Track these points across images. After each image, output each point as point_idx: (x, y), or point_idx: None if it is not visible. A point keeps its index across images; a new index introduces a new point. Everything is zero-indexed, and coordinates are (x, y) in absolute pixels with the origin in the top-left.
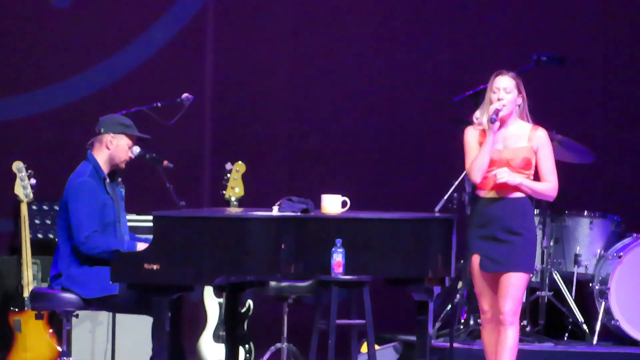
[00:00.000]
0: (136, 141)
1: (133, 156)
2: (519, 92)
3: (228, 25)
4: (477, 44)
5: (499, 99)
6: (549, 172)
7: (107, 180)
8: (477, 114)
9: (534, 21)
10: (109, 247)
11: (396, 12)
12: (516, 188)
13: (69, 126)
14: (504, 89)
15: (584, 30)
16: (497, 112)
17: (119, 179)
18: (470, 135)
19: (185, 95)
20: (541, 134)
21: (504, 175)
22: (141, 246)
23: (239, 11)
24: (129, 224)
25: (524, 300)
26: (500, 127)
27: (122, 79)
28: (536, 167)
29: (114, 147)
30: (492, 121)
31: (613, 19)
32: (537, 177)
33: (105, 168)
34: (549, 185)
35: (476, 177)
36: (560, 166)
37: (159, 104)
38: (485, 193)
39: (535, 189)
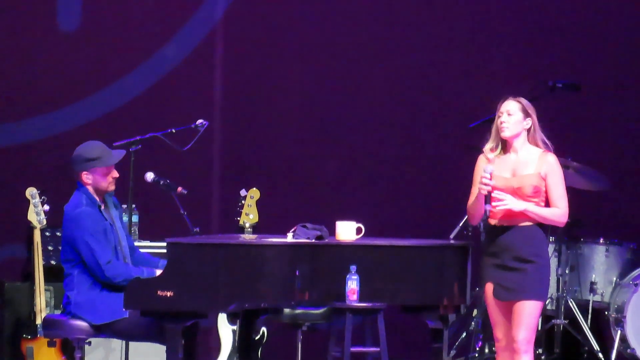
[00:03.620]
0: (111, 165)
1: (147, 180)
2: (527, 115)
3: (238, 48)
4: (493, 70)
5: (501, 122)
6: (558, 198)
7: (102, 206)
8: (487, 146)
9: (549, 48)
10: (130, 275)
11: (411, 39)
12: (525, 215)
13: None
14: (507, 112)
15: (598, 57)
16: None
17: (133, 206)
18: (479, 165)
19: (199, 121)
20: (550, 160)
21: (508, 203)
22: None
23: (248, 34)
24: (144, 250)
25: (539, 328)
26: (509, 151)
27: (131, 102)
28: (546, 193)
29: (92, 181)
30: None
31: (628, 45)
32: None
33: (96, 196)
34: (557, 211)
35: (471, 221)
36: (576, 193)
37: (174, 130)
38: (496, 222)
39: (542, 214)
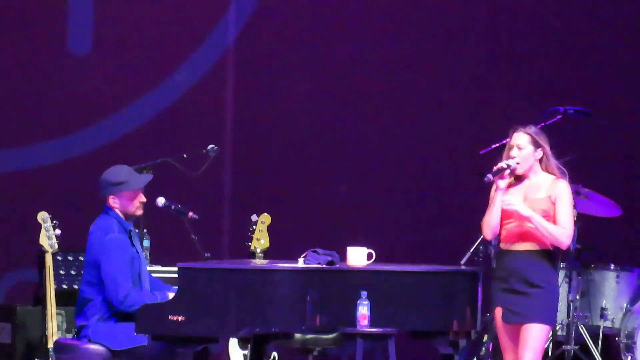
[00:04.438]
0: (138, 190)
1: (159, 205)
2: (538, 146)
3: (249, 72)
4: (505, 96)
5: (511, 157)
6: (564, 219)
7: (132, 231)
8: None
9: (560, 74)
10: (145, 303)
11: (420, 63)
12: (536, 239)
13: (93, 174)
14: (517, 146)
15: (609, 83)
16: (497, 171)
17: (145, 230)
18: (493, 190)
19: (211, 146)
20: (561, 185)
21: (513, 203)
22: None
23: (259, 58)
24: (155, 275)
25: (549, 353)
26: (522, 180)
27: (142, 127)
28: (554, 216)
29: (120, 206)
30: (486, 179)
31: (637, 70)
32: None
33: (126, 221)
34: (561, 230)
35: (486, 234)
36: (587, 220)
37: (185, 155)
38: (507, 245)
39: (547, 227)
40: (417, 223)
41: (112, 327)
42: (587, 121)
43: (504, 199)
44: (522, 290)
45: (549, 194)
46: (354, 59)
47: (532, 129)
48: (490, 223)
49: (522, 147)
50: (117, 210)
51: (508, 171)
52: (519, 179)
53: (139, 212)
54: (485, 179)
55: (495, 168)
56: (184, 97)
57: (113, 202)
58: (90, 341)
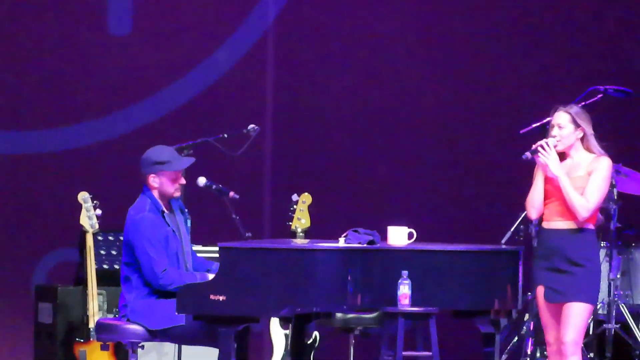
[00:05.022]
0: (181, 171)
1: (199, 185)
2: (577, 125)
3: (289, 52)
4: (545, 75)
5: (552, 136)
6: (590, 192)
7: (166, 212)
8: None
9: (602, 53)
10: (184, 281)
11: (460, 42)
12: (577, 217)
13: (133, 154)
14: (557, 125)
15: None
16: (535, 149)
17: (185, 210)
18: (536, 168)
19: (251, 126)
20: (601, 161)
21: (548, 158)
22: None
23: (299, 38)
24: (197, 255)
25: (590, 332)
26: (565, 158)
27: (182, 107)
28: None
29: (159, 185)
30: (524, 157)
31: None
32: None
33: (161, 201)
34: (583, 202)
35: (530, 213)
36: (627, 198)
37: (225, 135)
38: (548, 224)
39: (570, 194)
40: (458, 202)
41: (149, 307)
42: (628, 100)
43: (540, 146)
44: (565, 268)
45: (588, 172)
46: (394, 39)
47: (572, 109)
48: (534, 202)
49: (563, 126)
50: (155, 190)
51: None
52: (562, 158)
53: (177, 193)
54: (523, 156)
55: (534, 146)
56: (224, 77)
57: (152, 180)
58: (129, 321)
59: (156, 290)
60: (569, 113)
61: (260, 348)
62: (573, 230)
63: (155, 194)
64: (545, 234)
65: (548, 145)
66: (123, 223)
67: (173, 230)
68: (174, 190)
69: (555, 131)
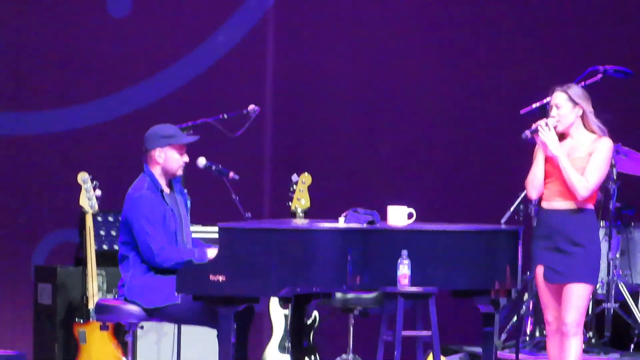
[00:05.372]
0: (185, 146)
1: (199, 166)
2: (575, 103)
3: (289, 33)
4: (545, 56)
5: (552, 117)
6: (590, 172)
7: (165, 191)
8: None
9: (601, 33)
10: (182, 258)
11: (463, 24)
12: (576, 197)
13: (133, 136)
14: (556, 105)
15: None
16: (535, 129)
17: (185, 190)
18: (536, 148)
19: (251, 106)
20: (602, 141)
21: (548, 138)
22: (211, 252)
23: (300, 19)
24: (195, 235)
25: (589, 312)
26: (566, 138)
27: (182, 88)
28: None
29: (164, 161)
30: (523, 136)
31: None
32: None
33: (161, 180)
34: (581, 181)
35: (530, 193)
36: (627, 178)
37: (225, 116)
38: (548, 204)
39: (569, 174)
40: (458, 182)
41: (146, 284)
42: (627, 81)
43: (539, 125)
44: (564, 249)
45: (589, 152)
46: (395, 20)
47: (570, 88)
48: (534, 182)
49: (560, 105)
50: (157, 168)
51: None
52: (562, 138)
53: (180, 171)
54: (523, 135)
55: (534, 125)
56: (224, 58)
57: (158, 155)
58: (127, 300)
59: (153, 268)
60: (566, 92)
61: (260, 328)
62: (573, 211)
63: (157, 171)
64: (545, 214)
65: (547, 125)
66: (123, 204)
67: (172, 210)
68: (178, 166)
69: (554, 111)
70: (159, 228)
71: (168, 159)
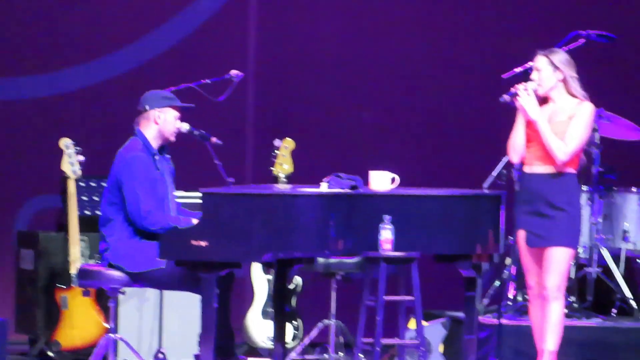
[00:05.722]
0: (181, 112)
1: (182, 132)
2: (556, 68)
3: None
4: (527, 21)
5: (532, 80)
6: (570, 137)
7: (157, 156)
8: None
9: None
10: (168, 224)
11: None
12: (554, 162)
13: (115, 101)
14: (536, 69)
15: (632, 7)
16: (514, 92)
17: (168, 156)
18: (519, 113)
19: (234, 72)
20: (583, 106)
21: (526, 102)
22: (197, 222)
23: None
24: (178, 200)
25: (571, 276)
26: (547, 103)
27: (164, 53)
28: None
29: (162, 122)
30: (501, 100)
31: None
32: None
33: (154, 144)
34: (561, 146)
35: (512, 157)
36: (609, 143)
37: (208, 81)
38: (530, 168)
39: (548, 138)
40: (440, 148)
41: (130, 249)
42: (610, 45)
43: (518, 89)
44: (546, 213)
45: (570, 116)
46: None
47: (551, 52)
48: (515, 146)
49: (541, 69)
50: (153, 129)
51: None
52: (544, 103)
53: (173, 137)
54: (501, 99)
55: (512, 89)
56: (206, 22)
57: (157, 116)
58: (110, 265)
59: (139, 232)
60: (547, 56)
61: (242, 293)
62: (554, 175)
63: (151, 134)
64: (527, 178)
65: (526, 90)
66: (106, 169)
67: (162, 175)
68: (173, 130)
69: (534, 75)
70: (149, 191)
71: (166, 121)
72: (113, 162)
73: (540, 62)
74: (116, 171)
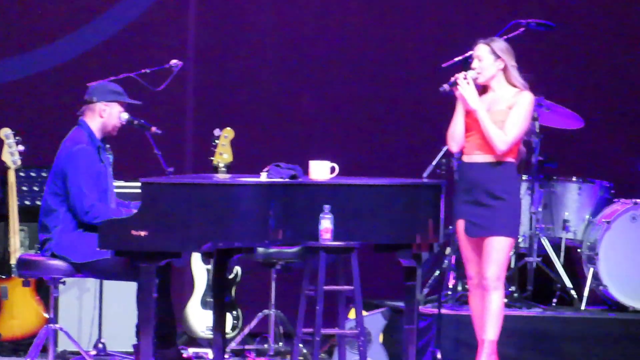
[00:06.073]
0: (127, 107)
1: (122, 120)
2: (497, 57)
3: None
4: (467, 9)
5: (472, 69)
6: (509, 126)
7: (100, 148)
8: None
9: None
10: (109, 217)
11: None
12: (493, 151)
13: (55, 91)
14: (477, 57)
15: None
16: (454, 81)
17: (107, 146)
18: (459, 102)
19: (174, 61)
20: (522, 95)
21: (466, 90)
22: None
23: None
24: (118, 190)
25: (511, 266)
26: (486, 91)
27: (104, 43)
28: None
29: (107, 116)
30: (441, 89)
31: None
32: None
33: (98, 136)
34: (501, 135)
35: (451, 146)
36: (549, 132)
37: (148, 70)
38: (469, 158)
39: (488, 127)
40: (380, 137)
41: (75, 240)
42: (549, 34)
43: (458, 79)
44: (485, 202)
45: (509, 106)
46: None
47: (493, 41)
48: (454, 135)
49: (482, 57)
50: (97, 122)
51: (470, 80)
52: (484, 91)
53: (115, 132)
54: (441, 88)
55: (452, 78)
56: (146, 12)
57: (103, 110)
58: (53, 255)
59: (83, 224)
60: (489, 45)
61: (182, 283)
62: (493, 164)
63: (95, 126)
64: (466, 167)
65: (466, 79)
66: (46, 159)
67: (105, 168)
68: (116, 125)
69: (475, 63)
70: (93, 185)
71: (111, 115)
72: (58, 153)
73: (481, 50)
74: (61, 162)
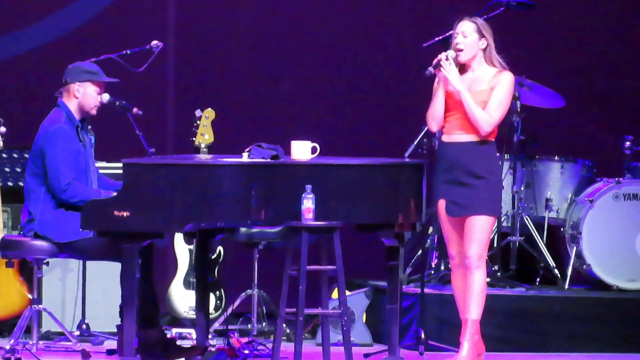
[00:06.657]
0: (104, 86)
1: (103, 102)
2: (482, 35)
3: None
4: None
5: (457, 44)
6: (492, 107)
7: (80, 128)
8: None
9: None
10: (87, 196)
11: None
12: (477, 130)
13: (37, 73)
14: (462, 33)
15: None
16: (437, 63)
17: (89, 127)
18: (436, 83)
19: (154, 42)
20: (503, 75)
21: (450, 72)
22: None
23: None
24: (100, 171)
25: (494, 245)
26: (467, 71)
27: (85, 24)
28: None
29: (82, 96)
30: (427, 72)
31: None
32: None
33: (77, 116)
34: (485, 116)
35: (431, 126)
36: (531, 111)
37: (129, 51)
38: (449, 138)
39: (472, 109)
40: (362, 117)
41: (57, 219)
42: (530, 13)
43: (441, 60)
44: (466, 181)
45: (490, 86)
46: None
47: (478, 19)
48: (435, 115)
49: (467, 34)
50: (74, 102)
51: (451, 60)
52: (463, 71)
53: (94, 111)
54: (427, 72)
55: (435, 61)
56: None
57: (77, 89)
58: (36, 235)
59: (64, 204)
60: (475, 22)
61: (165, 264)
62: (473, 143)
63: (73, 106)
64: (446, 147)
65: (448, 59)
66: (28, 140)
67: (84, 147)
68: (94, 104)
69: (459, 39)
70: (70, 163)
71: (86, 95)
72: (37, 134)
73: (467, 26)
74: (39, 142)
